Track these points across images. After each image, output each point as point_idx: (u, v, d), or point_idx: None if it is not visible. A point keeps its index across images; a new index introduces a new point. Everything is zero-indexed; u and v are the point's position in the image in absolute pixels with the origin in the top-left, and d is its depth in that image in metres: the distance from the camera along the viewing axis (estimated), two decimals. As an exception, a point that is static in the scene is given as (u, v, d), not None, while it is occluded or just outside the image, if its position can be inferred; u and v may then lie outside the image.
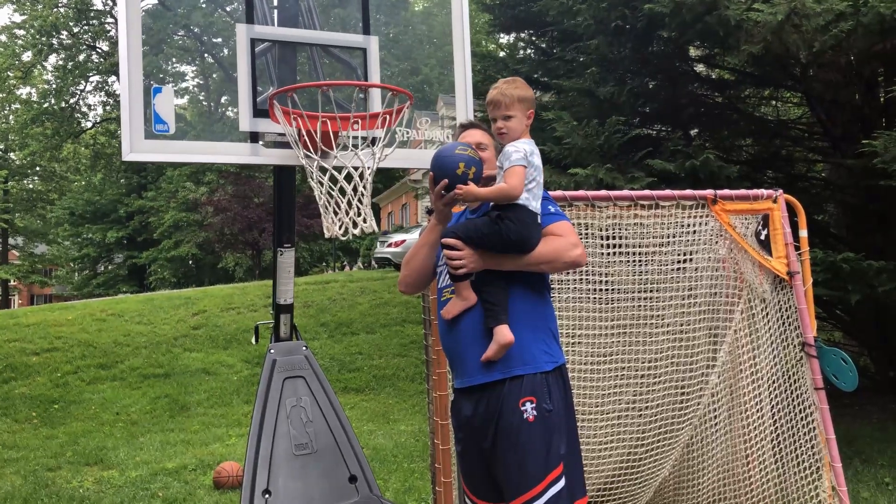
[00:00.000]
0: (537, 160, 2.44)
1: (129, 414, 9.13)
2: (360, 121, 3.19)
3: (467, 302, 2.40)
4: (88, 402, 9.58)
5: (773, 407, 3.83)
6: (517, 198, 2.37)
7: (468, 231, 2.39)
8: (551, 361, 2.40)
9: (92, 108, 47.99)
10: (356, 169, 3.14)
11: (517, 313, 2.39)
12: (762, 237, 3.87)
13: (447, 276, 2.48)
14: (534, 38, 9.05)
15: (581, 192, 3.76)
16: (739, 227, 3.87)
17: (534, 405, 2.31)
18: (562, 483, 2.29)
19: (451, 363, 2.58)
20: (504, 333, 2.32)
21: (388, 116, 3.19)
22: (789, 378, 3.82)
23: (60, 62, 35.27)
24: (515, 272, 2.40)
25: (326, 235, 3.12)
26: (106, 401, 9.66)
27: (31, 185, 42.99)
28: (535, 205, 2.41)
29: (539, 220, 2.42)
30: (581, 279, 3.81)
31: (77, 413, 9.17)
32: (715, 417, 3.90)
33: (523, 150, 2.40)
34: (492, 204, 2.44)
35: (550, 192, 3.70)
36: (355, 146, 3.18)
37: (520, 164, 2.37)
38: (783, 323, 3.85)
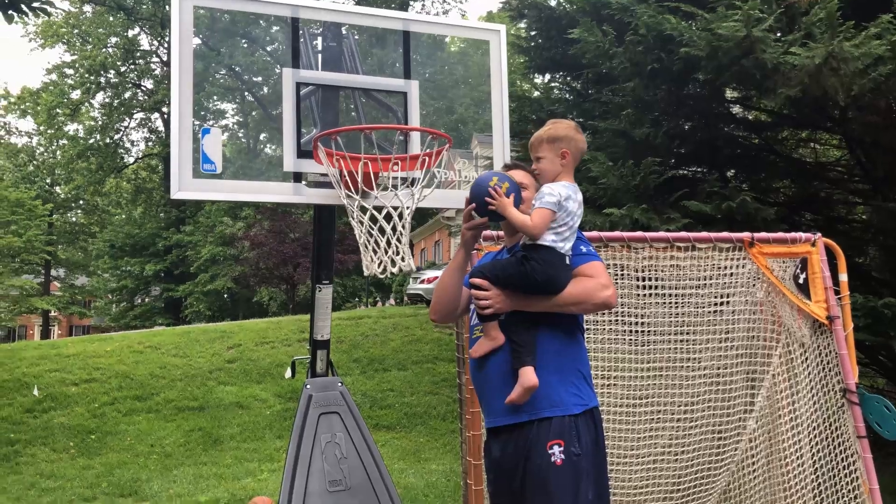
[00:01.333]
0: (572, 205, 2.43)
1: (163, 446, 9.21)
2: (400, 162, 3.27)
3: (495, 342, 2.41)
4: (124, 434, 9.69)
5: (813, 455, 3.76)
6: (536, 237, 2.38)
7: (494, 271, 2.41)
8: (580, 404, 2.38)
9: (135, 143, 49.28)
10: (395, 209, 3.21)
11: (546, 354, 2.38)
12: (801, 281, 3.84)
13: (474, 305, 2.50)
14: (569, 80, 9.15)
15: (617, 234, 3.78)
16: (777, 270, 3.85)
17: (562, 448, 2.29)
18: None
19: (480, 402, 2.59)
20: (528, 376, 2.31)
21: (427, 158, 3.26)
22: (830, 425, 3.75)
23: (107, 100, 36.51)
24: (544, 313, 2.40)
25: (366, 273, 3.18)
26: (141, 432, 9.76)
27: (74, 218, 44.20)
28: (565, 246, 2.41)
29: (568, 262, 2.42)
30: (616, 320, 3.81)
31: (113, 444, 9.28)
32: (753, 464, 3.83)
33: (558, 195, 2.40)
34: (521, 244, 2.46)
35: (586, 233, 3.73)
36: (395, 187, 3.25)
37: (549, 207, 2.38)
38: (823, 368, 3.79)
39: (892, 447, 6.07)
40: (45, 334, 41.58)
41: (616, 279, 3.74)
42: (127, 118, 37.73)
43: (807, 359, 3.81)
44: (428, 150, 3.33)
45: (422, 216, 31.96)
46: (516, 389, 2.32)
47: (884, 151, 6.69)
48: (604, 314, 3.74)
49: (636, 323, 3.84)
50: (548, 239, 2.38)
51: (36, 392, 10.93)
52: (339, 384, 3.92)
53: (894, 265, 7.50)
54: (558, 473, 2.27)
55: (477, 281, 2.40)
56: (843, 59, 4.88)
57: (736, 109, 8.04)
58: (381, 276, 3.17)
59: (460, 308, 2.68)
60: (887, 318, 5.15)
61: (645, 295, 3.85)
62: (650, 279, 3.82)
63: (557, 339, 2.43)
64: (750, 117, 8.34)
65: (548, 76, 10.35)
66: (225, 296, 37.00)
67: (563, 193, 2.42)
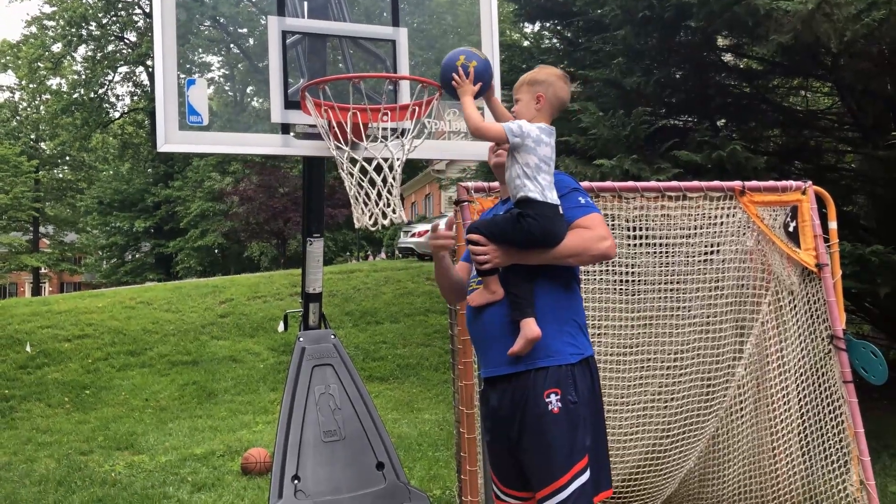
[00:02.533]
0: (535, 144, 2.40)
1: (158, 400, 9.30)
2: (389, 112, 3.22)
3: (494, 296, 2.42)
4: (119, 388, 9.77)
5: (800, 400, 3.82)
6: (473, 133, 2.43)
7: (490, 228, 2.41)
8: (577, 353, 2.40)
9: (120, 98, 48.55)
10: (386, 160, 3.18)
11: (543, 306, 2.39)
12: (790, 229, 3.85)
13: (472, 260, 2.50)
14: (559, 28, 9.00)
15: (608, 184, 3.77)
16: (767, 218, 3.86)
17: (558, 397, 2.32)
18: (587, 475, 2.31)
19: (476, 352, 2.62)
20: (531, 328, 2.32)
21: (417, 108, 3.22)
22: (817, 371, 3.80)
23: (89, 53, 35.77)
24: (542, 265, 2.41)
25: (357, 226, 3.16)
26: (135, 387, 9.84)
27: (60, 175, 43.73)
28: (552, 196, 2.40)
29: (560, 212, 2.41)
30: (607, 270, 3.82)
31: (108, 399, 9.36)
32: (741, 410, 3.89)
33: (518, 128, 2.39)
34: (513, 201, 2.45)
35: (577, 183, 3.72)
36: (384, 138, 3.21)
37: (507, 130, 2.38)
38: (811, 315, 3.84)
39: (876, 392, 6.19)
40: (36, 291, 41.51)
41: (607, 230, 3.74)
42: (111, 72, 37.01)
43: (795, 306, 3.85)
44: (418, 100, 3.28)
45: (412, 169, 31.80)
46: (519, 341, 2.33)
47: (875, 99, 6.66)
48: (594, 265, 3.75)
49: (626, 273, 3.86)
50: (535, 190, 2.37)
51: (28, 348, 10.96)
52: (332, 337, 3.94)
53: (882, 213, 7.54)
54: (555, 421, 2.30)
55: (474, 237, 2.41)
56: (836, 5, 4.82)
57: (727, 58, 7.95)
58: (373, 229, 3.16)
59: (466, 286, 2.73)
60: (874, 266, 5.20)
61: (635, 245, 3.86)
62: (640, 229, 3.82)
63: (554, 289, 2.44)
64: (741, 65, 8.26)
65: (538, 24, 10.18)
66: (215, 251, 36.93)
67: (531, 131, 2.39)
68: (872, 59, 5.81)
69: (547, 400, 2.32)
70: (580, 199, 2.49)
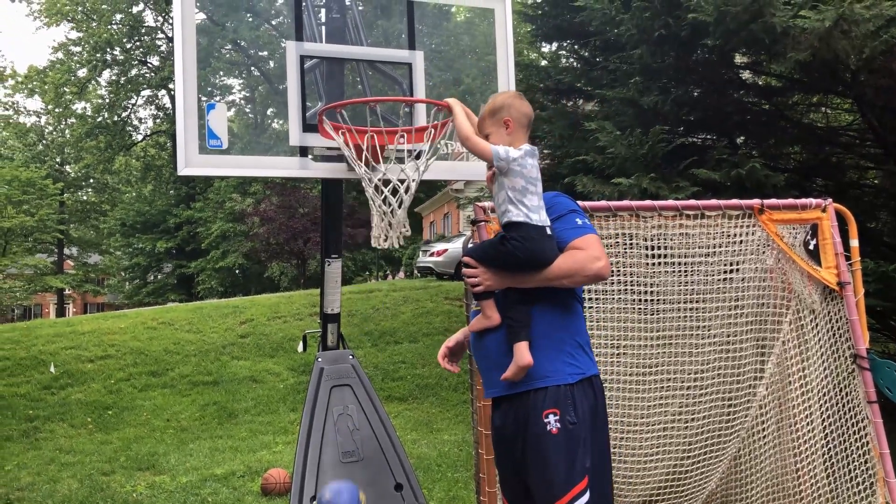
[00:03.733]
0: (520, 167, 2.40)
1: (179, 420, 9.34)
2: (406, 134, 3.26)
3: (490, 321, 2.43)
4: (140, 409, 9.83)
5: (824, 420, 3.76)
6: (486, 157, 2.42)
7: (478, 252, 2.46)
8: (577, 373, 2.38)
9: (143, 121, 49.28)
10: (402, 182, 3.20)
11: (541, 327, 2.39)
12: (811, 247, 3.81)
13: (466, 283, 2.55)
14: (576, 48, 9.05)
15: (625, 203, 3.76)
16: (787, 236, 3.82)
17: (557, 417, 2.31)
18: (586, 497, 2.29)
19: (480, 374, 2.63)
20: (523, 354, 2.33)
21: (433, 130, 3.25)
22: (841, 391, 3.75)
23: (114, 77, 36.45)
24: (538, 287, 2.40)
25: (374, 244, 3.19)
26: (157, 407, 9.90)
27: (84, 197, 44.40)
28: (539, 217, 2.39)
29: (549, 233, 2.40)
30: (625, 289, 3.80)
31: (130, 419, 9.42)
32: (763, 430, 3.84)
33: (505, 152, 2.40)
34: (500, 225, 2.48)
35: (594, 203, 3.72)
36: (400, 160, 3.24)
37: (495, 150, 2.40)
38: (834, 334, 3.78)
39: (903, 412, 6.07)
40: (61, 312, 42.03)
41: (625, 248, 3.73)
42: (134, 95, 37.69)
43: (817, 325, 3.80)
44: (434, 122, 3.31)
45: (431, 189, 31.91)
46: (511, 367, 2.34)
47: (895, 115, 6.60)
48: (613, 284, 3.73)
49: (645, 292, 3.83)
50: (519, 215, 2.37)
51: (52, 369, 11.08)
52: (351, 357, 3.95)
53: (906, 230, 7.44)
54: (554, 442, 2.30)
55: (466, 259, 2.46)
56: (853, 22, 4.80)
57: (745, 75, 7.93)
58: (388, 248, 3.18)
59: None
60: (898, 284, 5.13)
61: (654, 264, 3.84)
62: (659, 248, 3.80)
63: (553, 310, 2.43)
64: (760, 83, 8.23)
65: (555, 44, 10.23)
66: (236, 271, 37.20)
67: (516, 155, 2.41)
68: (892, 75, 5.76)
69: (545, 420, 2.31)
70: (577, 220, 2.48)
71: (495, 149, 2.41)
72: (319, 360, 3.87)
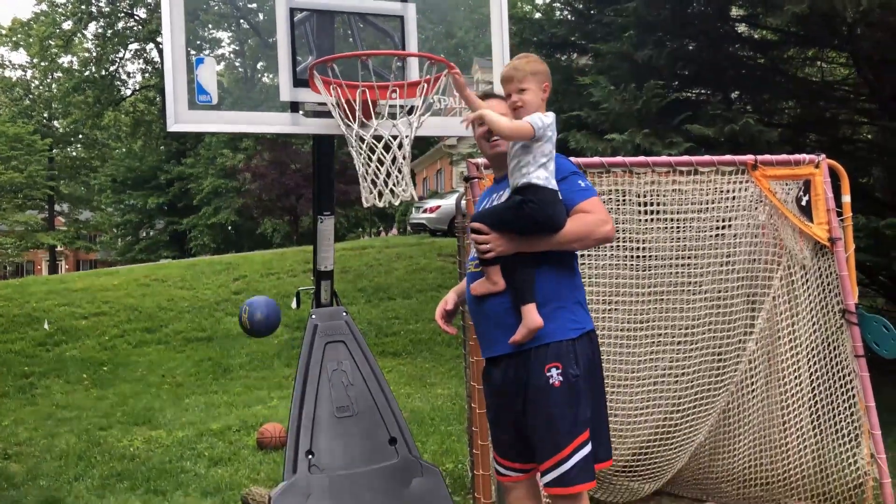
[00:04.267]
0: (553, 135, 2.44)
1: (174, 376, 9.41)
2: (398, 89, 3.21)
3: (495, 287, 2.43)
4: (135, 365, 9.90)
5: (811, 374, 3.82)
6: (523, 137, 2.37)
7: (493, 217, 2.43)
8: (577, 328, 2.43)
9: (131, 75, 48.63)
10: (394, 138, 3.17)
11: (544, 288, 2.42)
12: (803, 203, 3.82)
13: (475, 249, 2.53)
14: (571, 1, 8.90)
15: (619, 159, 3.75)
16: (780, 192, 3.82)
17: (559, 371, 2.35)
18: (588, 447, 2.35)
19: (478, 334, 2.63)
20: (533, 317, 2.35)
21: (426, 85, 3.20)
22: (829, 345, 3.80)
23: (100, 30, 35.75)
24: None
25: (365, 205, 3.17)
26: (152, 363, 9.97)
27: (74, 153, 43.96)
28: (553, 182, 2.42)
29: (560, 197, 2.42)
30: (618, 245, 3.81)
31: (125, 375, 9.49)
32: (752, 384, 3.90)
33: (542, 122, 2.39)
34: (511, 189, 2.46)
35: (587, 159, 3.70)
36: (393, 115, 3.21)
37: (534, 123, 2.37)
38: (823, 290, 3.82)
39: (888, 366, 6.16)
40: (53, 269, 41.99)
41: (618, 205, 3.73)
42: (122, 49, 37.03)
43: (807, 281, 3.84)
44: (427, 77, 3.27)
45: (424, 145, 31.70)
46: (521, 330, 2.36)
47: (892, 69, 6.54)
48: (603, 241, 3.73)
49: (637, 248, 3.85)
50: (541, 177, 2.38)
51: (46, 326, 11.11)
52: (344, 313, 3.96)
53: (898, 185, 7.46)
54: (556, 394, 2.33)
55: (477, 225, 2.42)
56: (852, -27, 4.73)
57: (741, 28, 7.83)
58: (381, 206, 3.17)
59: None
60: (889, 239, 5.15)
61: (647, 220, 3.85)
62: (652, 204, 3.81)
63: (554, 270, 2.46)
64: (756, 36, 8.13)
65: (549, -3, 10.06)
66: (229, 228, 37.11)
67: (547, 122, 2.41)
68: (890, 28, 5.70)
69: (548, 374, 2.35)
70: (580, 182, 2.51)
71: (534, 122, 2.38)
72: (313, 316, 3.88)
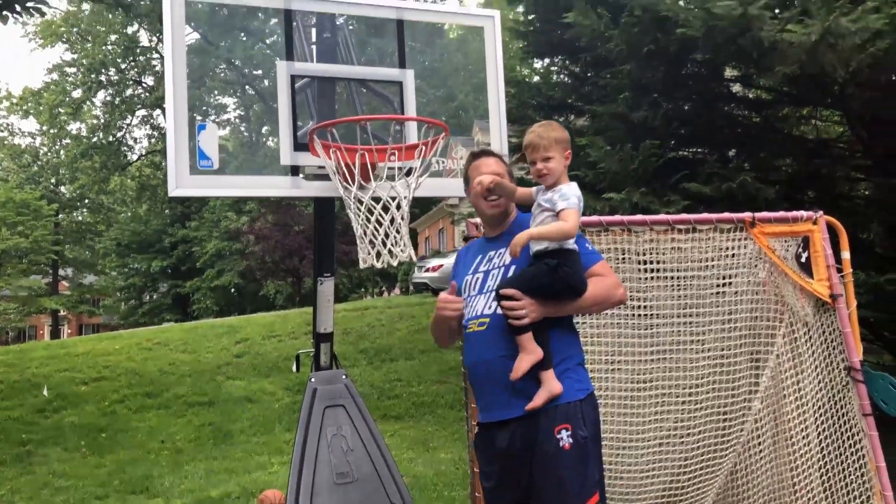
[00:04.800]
0: (582, 203, 2.50)
1: (174, 442, 9.27)
2: (396, 152, 3.26)
3: (534, 355, 2.38)
4: (135, 431, 9.75)
5: (819, 434, 3.75)
6: (572, 237, 2.41)
7: (525, 282, 2.41)
8: (583, 389, 2.44)
9: (138, 141, 49.41)
10: (393, 199, 3.21)
11: (553, 350, 2.42)
12: (803, 260, 3.82)
13: (474, 306, 2.54)
14: (567, 64, 9.11)
15: (617, 217, 3.77)
16: (779, 249, 3.82)
17: (569, 433, 2.33)
18: None
19: (478, 395, 2.59)
20: (554, 384, 2.36)
21: (424, 147, 3.25)
22: (836, 404, 3.73)
23: (108, 98, 36.52)
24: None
25: (361, 266, 3.19)
26: (152, 429, 9.82)
27: (80, 218, 44.33)
28: (577, 246, 2.47)
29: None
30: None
31: (124, 441, 9.34)
32: (759, 444, 3.82)
33: (577, 195, 2.45)
34: (535, 250, 2.45)
35: (585, 218, 3.72)
36: (391, 177, 3.24)
37: (575, 207, 2.42)
38: (827, 347, 3.78)
39: (899, 423, 6.05)
40: (55, 334, 41.82)
41: (618, 263, 3.73)
42: (129, 115, 37.75)
43: (811, 338, 3.80)
44: (425, 140, 3.32)
45: (426, 204, 31.97)
46: (542, 395, 2.35)
47: (884, 126, 6.64)
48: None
49: (639, 306, 3.83)
50: (570, 242, 2.43)
51: (46, 392, 11.00)
52: (344, 377, 3.93)
53: (898, 241, 7.47)
54: (566, 456, 2.30)
55: (511, 291, 2.39)
56: (839, 35, 4.84)
57: (736, 88, 7.99)
58: (380, 267, 3.18)
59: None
60: (890, 294, 5.13)
61: (647, 278, 3.84)
62: (652, 262, 3.81)
63: (561, 332, 2.48)
64: (750, 96, 8.29)
65: (546, 60, 10.31)
66: (232, 290, 37.13)
67: (580, 194, 2.48)
68: (879, 87, 5.81)
69: (558, 436, 2.32)
70: (587, 245, 2.57)
71: (571, 208, 2.42)
72: (312, 380, 3.85)
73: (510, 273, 2.51)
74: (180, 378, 11.87)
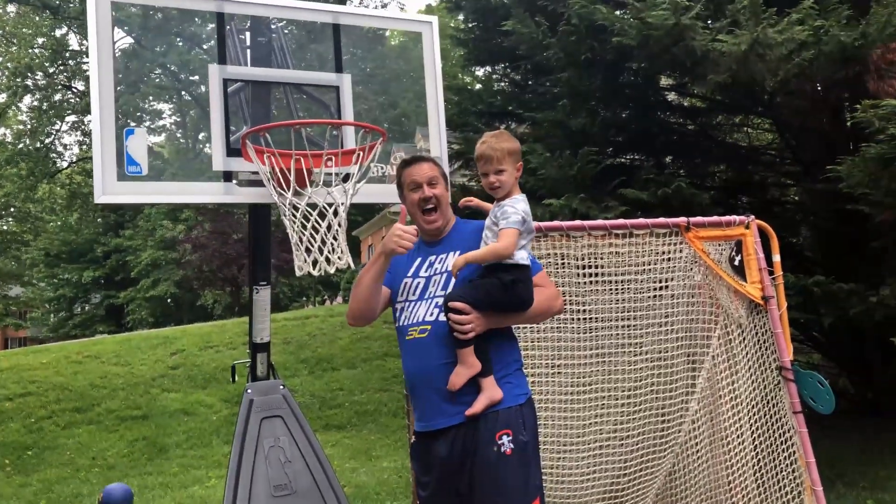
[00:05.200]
0: (530, 218, 2.47)
1: (105, 458, 8.94)
2: (333, 158, 3.21)
3: (473, 369, 2.35)
4: (63, 448, 9.37)
5: (753, 432, 3.83)
6: (507, 258, 2.37)
7: (477, 296, 2.37)
8: (522, 394, 2.44)
9: (68, 147, 47.75)
10: (330, 206, 3.15)
11: (493, 356, 2.41)
12: (736, 263, 3.91)
13: (414, 312, 2.49)
14: (508, 71, 9.17)
15: (556, 223, 3.79)
16: (713, 253, 3.90)
17: (510, 438, 2.31)
18: None
19: (417, 403, 2.53)
20: (495, 390, 2.35)
21: (361, 153, 3.21)
22: (768, 403, 3.82)
23: (35, 103, 35.13)
24: None
25: (298, 274, 3.12)
26: (82, 445, 9.46)
27: (5, 227, 42.51)
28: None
29: None
30: (560, 309, 3.81)
31: (52, 459, 8.97)
32: (696, 444, 3.89)
33: (522, 213, 2.42)
34: (489, 265, 2.42)
35: (525, 224, 3.73)
36: (328, 183, 3.19)
37: (516, 227, 2.39)
38: (760, 347, 3.87)
39: (827, 420, 6.25)
40: (-21, 348, 39.96)
41: (557, 268, 3.75)
42: (58, 121, 36.41)
43: (744, 339, 3.88)
44: (362, 145, 3.28)
45: (368, 211, 31.77)
46: (482, 401, 2.33)
47: (811, 134, 6.89)
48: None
49: (579, 311, 3.85)
50: (524, 257, 2.41)
51: (-33, 410, 10.48)
52: (282, 387, 3.84)
53: (824, 244, 7.75)
54: (508, 463, 2.29)
55: (460, 305, 2.34)
56: (767, 46, 4.99)
57: (671, 97, 8.17)
58: (316, 275, 3.11)
59: (379, 310, 2.65)
60: (817, 296, 5.30)
61: (587, 283, 3.87)
62: (591, 267, 3.84)
63: (502, 339, 2.47)
64: (685, 104, 8.49)
65: (487, 68, 10.37)
66: (168, 300, 36.20)
67: (525, 209, 2.45)
68: (806, 96, 6.02)
69: (500, 442, 2.31)
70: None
71: (518, 222, 2.38)
72: (249, 391, 3.74)
73: (453, 279, 2.46)
74: (112, 392, 11.48)
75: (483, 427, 2.33)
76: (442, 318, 2.40)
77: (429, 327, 2.46)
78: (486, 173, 2.48)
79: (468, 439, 2.34)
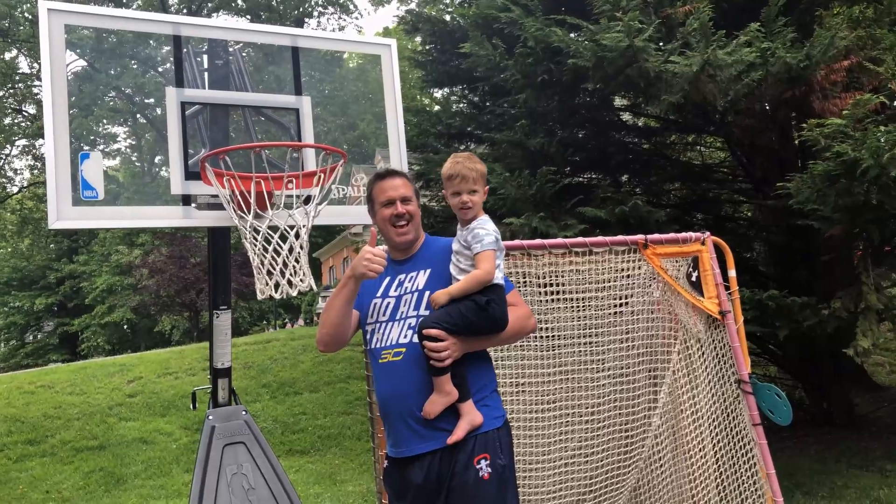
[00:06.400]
0: (500, 236, 2.47)
1: (60, 491, 8.66)
2: (294, 180, 3.20)
3: (450, 397, 2.32)
4: (15, 482, 9.05)
5: (714, 445, 3.89)
6: (490, 282, 2.35)
7: (452, 320, 2.32)
8: (500, 417, 2.43)
9: (18, 172, 46.53)
10: (291, 228, 3.13)
11: (471, 380, 2.40)
12: (693, 279, 3.98)
13: (387, 334, 2.45)
14: (466, 93, 9.26)
15: (516, 242, 3.82)
16: (671, 269, 3.98)
17: (488, 462, 2.30)
18: None
19: (392, 428, 2.48)
20: (476, 415, 2.32)
21: (322, 175, 3.20)
22: (728, 416, 3.89)
23: (-16, 127, 34.26)
24: None
25: (259, 297, 3.09)
26: (35, 479, 9.14)
27: (-48, 254, 41.23)
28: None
29: None
30: (523, 327, 3.83)
31: (2, 494, 8.64)
32: (660, 459, 3.92)
33: (493, 233, 2.41)
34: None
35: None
36: (289, 206, 3.17)
37: (492, 247, 2.38)
38: (719, 361, 3.94)
39: (786, 432, 6.39)
40: (-75, 381, 38.49)
41: (519, 286, 3.78)
42: (8, 145, 35.54)
43: (703, 353, 3.95)
44: (323, 167, 3.27)
45: (328, 233, 31.58)
46: (463, 427, 2.31)
47: (761, 152, 7.08)
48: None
49: (542, 328, 3.88)
50: (500, 277, 2.40)
51: (-88, 445, 10.07)
52: (244, 413, 3.78)
53: (777, 259, 7.94)
54: (487, 487, 2.27)
55: (436, 332, 2.29)
56: (718, 67, 5.14)
57: (626, 117, 8.34)
58: (279, 298, 3.08)
59: (350, 334, 2.59)
60: (772, 310, 5.43)
61: (548, 300, 3.90)
62: (552, 285, 3.87)
63: (478, 362, 2.45)
64: (639, 124, 8.67)
65: (446, 90, 10.45)
66: (125, 327, 35.39)
67: (495, 228, 2.45)
68: (756, 115, 6.20)
69: (477, 466, 2.29)
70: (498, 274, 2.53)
71: (492, 243, 2.39)
72: (210, 417, 3.68)
73: (424, 298, 2.42)
74: (67, 422, 11.14)
75: (461, 452, 2.31)
76: (416, 339, 2.37)
77: (403, 350, 2.41)
78: (458, 192, 2.46)
79: (444, 464, 2.31)
